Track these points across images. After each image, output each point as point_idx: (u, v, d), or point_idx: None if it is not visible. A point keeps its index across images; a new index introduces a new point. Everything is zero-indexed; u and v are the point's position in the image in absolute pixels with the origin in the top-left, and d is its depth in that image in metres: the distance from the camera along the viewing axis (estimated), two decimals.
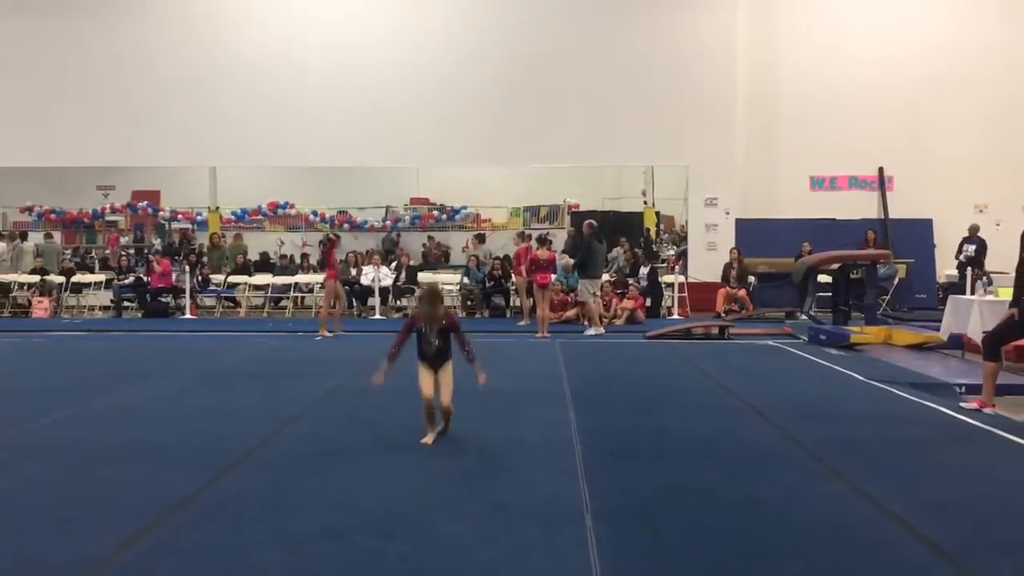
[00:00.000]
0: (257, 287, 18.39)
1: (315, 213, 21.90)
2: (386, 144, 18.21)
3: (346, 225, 21.92)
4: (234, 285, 18.39)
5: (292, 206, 21.62)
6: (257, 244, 20.45)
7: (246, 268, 18.86)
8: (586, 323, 14.24)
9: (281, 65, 18.20)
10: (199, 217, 21.59)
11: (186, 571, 3.72)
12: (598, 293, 14.34)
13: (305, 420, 7.03)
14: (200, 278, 18.00)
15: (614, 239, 18.30)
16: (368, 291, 17.06)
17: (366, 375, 8.93)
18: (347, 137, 18.13)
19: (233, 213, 21.45)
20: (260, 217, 21.86)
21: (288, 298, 18.36)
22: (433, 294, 6.28)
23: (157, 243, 21.02)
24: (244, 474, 5.34)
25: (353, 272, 17.62)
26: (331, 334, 13.52)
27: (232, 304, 18.46)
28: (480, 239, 19.05)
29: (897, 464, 5.58)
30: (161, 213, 22.22)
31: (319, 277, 18.89)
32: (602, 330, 13.79)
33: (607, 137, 17.99)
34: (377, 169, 20.27)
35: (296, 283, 18.46)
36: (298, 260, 19.84)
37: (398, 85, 18.14)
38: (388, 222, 21.90)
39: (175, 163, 19.30)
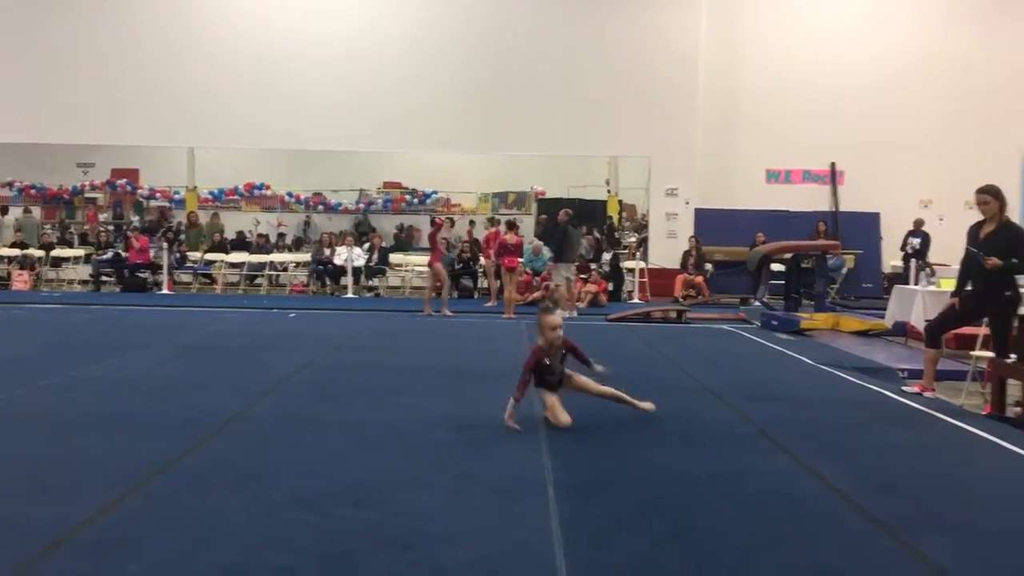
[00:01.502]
0: (233, 265, 18.84)
1: (290, 195, 22.22)
2: (361, 129, 18.61)
3: (320, 207, 22.30)
4: (211, 262, 18.82)
5: (268, 187, 21.89)
6: (233, 223, 20.77)
7: (222, 246, 19.29)
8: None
9: (261, 50, 18.54)
10: (177, 196, 21.85)
11: (163, 535, 3.76)
12: (571, 277, 14.72)
13: (280, 393, 7.04)
14: (177, 255, 18.43)
15: (575, 224, 18.84)
16: (341, 271, 17.59)
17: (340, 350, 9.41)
18: (324, 121, 18.53)
19: (210, 193, 21.71)
20: (237, 197, 22.11)
21: (263, 276, 18.84)
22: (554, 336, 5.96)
23: (136, 220, 21.29)
24: (220, 444, 5.38)
25: (327, 252, 18.14)
26: (436, 313, 13.70)
27: (208, 281, 18.88)
28: (451, 223, 19.53)
29: (843, 443, 5.72)
30: (140, 191, 22.47)
31: (293, 256, 19.48)
32: (574, 313, 14.02)
33: (574, 127, 18.50)
34: (352, 153, 20.61)
35: (271, 262, 18.95)
36: (273, 239, 20.30)
37: (374, 72, 18.56)
38: (362, 205, 22.33)
39: (155, 143, 19.52)
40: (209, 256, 18.89)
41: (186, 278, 18.83)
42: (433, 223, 15.28)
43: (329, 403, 6.72)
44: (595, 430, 5.86)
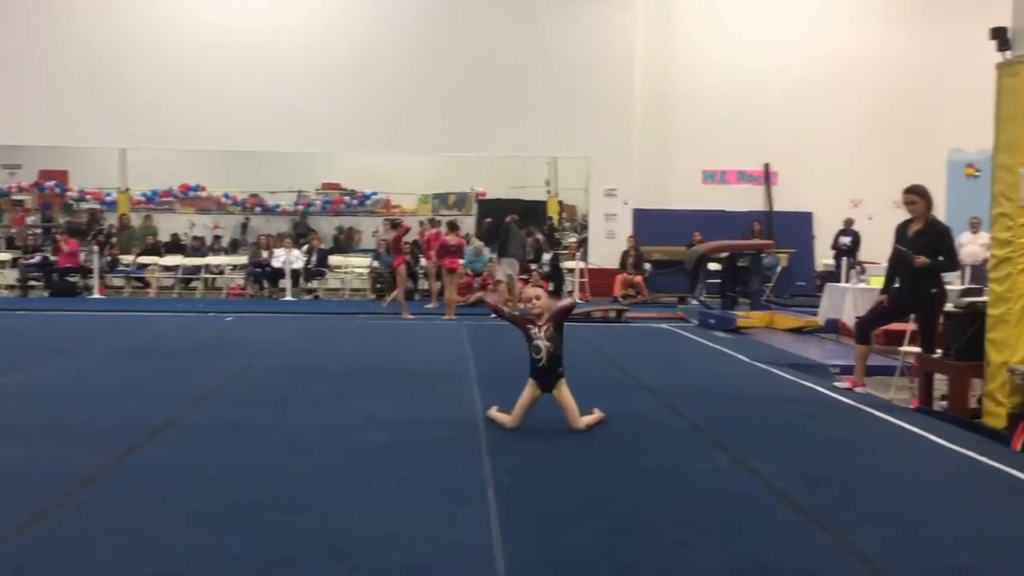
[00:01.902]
0: (167, 268, 18.48)
1: (227, 196, 21.87)
2: (299, 129, 18.38)
3: (258, 208, 22.00)
4: (144, 266, 18.46)
5: (204, 189, 21.52)
6: (168, 226, 20.37)
7: (156, 249, 18.92)
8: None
9: (195, 48, 18.17)
10: (108, 198, 21.36)
11: (92, 547, 3.67)
12: (514, 274, 14.76)
13: (215, 399, 6.94)
14: (109, 258, 18.03)
15: (521, 226, 18.93)
16: (279, 273, 17.38)
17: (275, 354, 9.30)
18: (260, 121, 18.24)
19: (143, 195, 21.25)
20: (171, 199, 21.71)
21: (199, 279, 18.53)
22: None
23: (64, 221, 20.75)
24: (153, 451, 5.28)
25: (264, 255, 17.90)
26: (413, 317, 13.85)
27: (142, 285, 18.51)
28: (391, 224, 19.44)
29: (776, 439, 5.83)
30: (69, 193, 21.90)
31: (230, 259, 19.18)
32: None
33: (513, 128, 18.53)
34: (289, 154, 20.34)
35: (207, 264, 18.65)
36: (209, 242, 19.97)
37: (312, 71, 18.35)
38: (300, 206, 22.10)
39: (84, 143, 19.03)
40: (142, 259, 18.50)
41: (118, 282, 18.41)
42: (396, 226, 15.18)
43: (266, 408, 6.62)
44: (535, 430, 5.88)
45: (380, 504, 4.31)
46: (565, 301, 5.82)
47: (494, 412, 6.09)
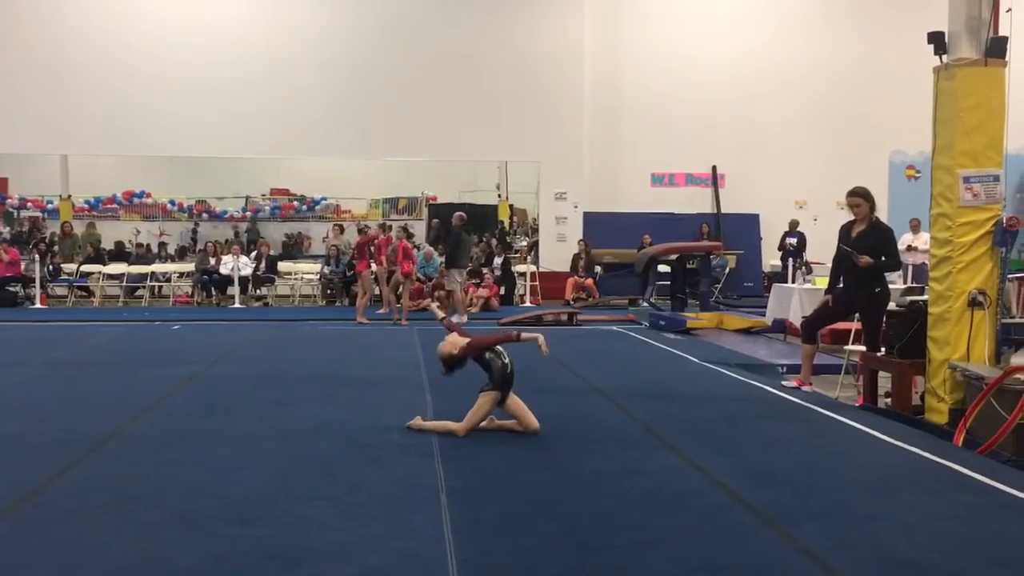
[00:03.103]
0: (112, 276, 18.09)
1: (173, 203, 21.57)
2: (246, 134, 18.16)
3: (205, 215, 21.72)
4: (87, 274, 18.06)
5: (149, 195, 21.20)
6: (112, 233, 20.04)
7: (100, 257, 18.54)
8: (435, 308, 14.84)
9: (138, 53, 17.84)
10: (50, 205, 20.90)
11: (33, 563, 3.58)
12: (463, 282, 14.71)
13: (162, 409, 6.80)
14: (51, 267, 17.62)
15: (469, 230, 18.93)
16: (228, 280, 17.13)
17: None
18: (206, 127, 17.98)
19: (87, 202, 20.86)
20: (115, 206, 21.34)
21: (144, 287, 18.18)
22: None
23: (6, 231, 20.26)
24: (97, 464, 5.15)
25: (212, 261, 17.64)
26: (368, 321, 13.79)
27: (85, 294, 18.11)
28: (340, 229, 19.33)
29: (726, 438, 5.88)
30: (9, 200, 21.38)
31: (177, 266, 18.86)
32: (465, 318, 14.04)
33: (464, 133, 18.53)
34: (237, 159, 20.11)
35: (153, 272, 18.31)
36: (155, 249, 19.64)
37: (259, 77, 18.14)
38: (248, 212, 21.84)
39: (24, 150, 18.61)
40: (85, 268, 18.09)
41: (61, 291, 17.98)
42: (362, 232, 15.04)
43: (214, 417, 6.53)
44: (486, 435, 5.88)
45: (332, 512, 4.27)
46: (485, 339, 5.87)
47: (418, 421, 6.02)
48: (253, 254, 17.91)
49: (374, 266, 14.92)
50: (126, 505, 4.36)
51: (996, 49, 6.53)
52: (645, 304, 15.51)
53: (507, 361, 5.79)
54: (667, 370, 9.27)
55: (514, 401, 5.87)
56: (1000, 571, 3.60)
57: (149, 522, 4.10)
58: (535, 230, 20.42)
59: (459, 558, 3.64)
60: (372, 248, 14.59)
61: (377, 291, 16.48)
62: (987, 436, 5.75)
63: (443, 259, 15.15)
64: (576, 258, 17.90)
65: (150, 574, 3.51)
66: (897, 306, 7.44)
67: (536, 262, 18.47)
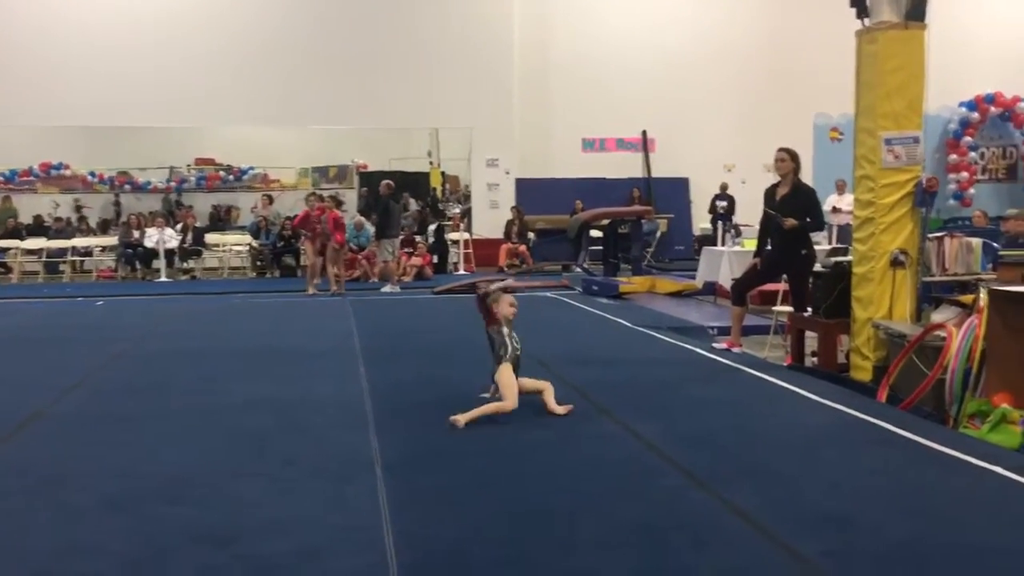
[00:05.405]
0: (30, 251, 17.52)
1: (93, 174, 20.87)
2: (168, 103, 17.59)
3: (127, 186, 21.08)
4: (4, 250, 17.46)
5: (68, 167, 20.47)
6: (29, 207, 19.38)
7: (17, 232, 17.93)
8: (379, 280, 14.73)
9: (53, 18, 17.13)
10: None
11: None
12: (395, 252, 14.64)
13: (86, 387, 6.63)
14: None
15: (398, 198, 18.73)
16: (153, 253, 16.72)
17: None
18: (126, 95, 17.35)
19: (1, 175, 20.09)
20: (32, 178, 20.56)
21: (65, 262, 17.65)
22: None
23: None
24: (17, 447, 5.03)
25: (136, 234, 17.17)
26: (321, 292, 13.50)
27: (3, 270, 17.54)
28: (269, 200, 18.97)
29: (659, 402, 5.96)
30: None
31: (99, 240, 18.33)
32: (398, 288, 14.06)
33: (394, 99, 18.28)
34: (159, 129, 19.49)
35: (73, 247, 17.78)
36: (75, 223, 19.05)
37: (180, 42, 17.58)
38: (172, 183, 21.28)
39: None
40: (1, 243, 17.48)
41: None
42: (312, 205, 14.47)
43: (141, 395, 6.37)
44: (420, 403, 5.87)
45: (264, 489, 4.21)
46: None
47: (461, 416, 5.34)
48: (178, 226, 17.49)
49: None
50: (51, 488, 4.23)
51: (916, 12, 6.66)
52: (578, 269, 15.63)
53: (519, 344, 5.70)
54: (601, 335, 9.32)
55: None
56: (918, 520, 3.73)
57: (76, 505, 3.99)
58: (467, 197, 20.34)
59: (396, 531, 3.63)
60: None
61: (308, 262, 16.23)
62: (909, 392, 5.94)
63: (375, 229, 15.00)
64: (509, 225, 17.91)
65: (80, 559, 3.42)
66: (822, 267, 7.61)
67: (469, 229, 18.42)
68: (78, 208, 20.22)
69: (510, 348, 5.58)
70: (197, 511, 3.90)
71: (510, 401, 5.39)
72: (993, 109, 18.41)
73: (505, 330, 5.65)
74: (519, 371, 5.62)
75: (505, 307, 5.69)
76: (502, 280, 5.79)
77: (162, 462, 4.66)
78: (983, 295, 5.81)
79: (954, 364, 5.68)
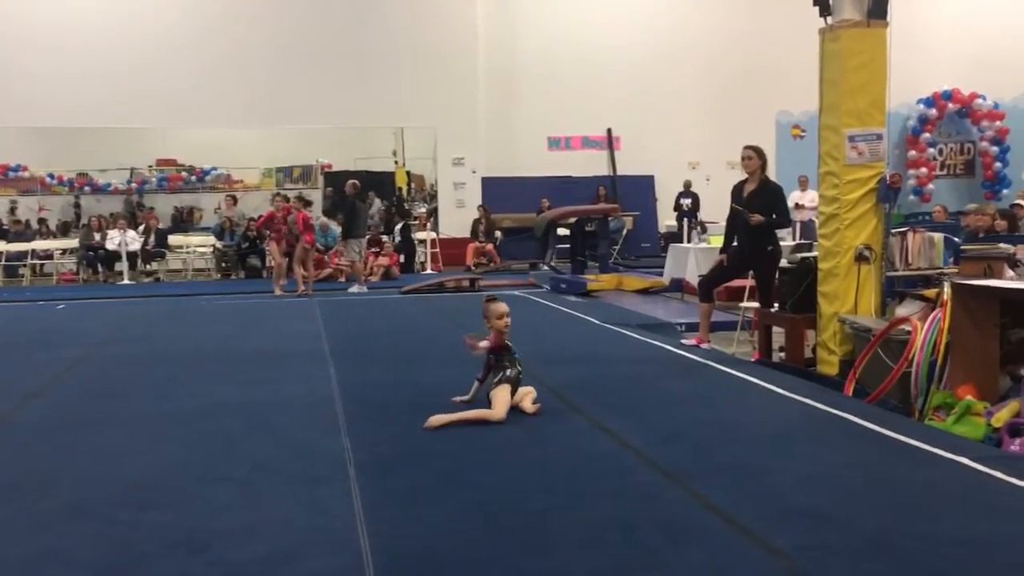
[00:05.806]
0: None
1: (51, 176, 20.53)
2: (129, 103, 17.38)
3: (87, 188, 20.76)
4: None
5: (25, 168, 20.13)
6: None
7: None
8: (347, 280, 14.67)
9: (9, 19, 16.87)
10: None
11: None
12: (362, 252, 14.60)
13: (48, 393, 6.50)
14: None
15: (364, 197, 18.61)
16: (115, 256, 16.49)
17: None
18: (86, 95, 17.14)
19: None
20: None
21: (25, 266, 17.36)
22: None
23: None
24: None
25: (97, 237, 16.92)
26: (288, 293, 13.50)
27: None
28: (234, 200, 18.80)
29: (630, 399, 5.95)
30: None
31: (59, 243, 18.04)
32: (365, 288, 14.04)
33: (358, 98, 18.22)
34: (119, 129, 19.19)
35: (33, 250, 17.50)
36: (35, 225, 18.74)
37: (141, 41, 17.40)
38: (134, 184, 20.98)
39: None
40: None
41: None
42: (277, 206, 14.33)
43: (106, 400, 6.27)
44: (390, 403, 5.83)
45: (236, 493, 4.16)
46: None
47: (437, 418, 5.31)
48: (141, 228, 17.26)
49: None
50: (15, 497, 4.14)
51: (878, 10, 6.74)
52: (546, 268, 15.72)
53: (521, 368, 5.61)
54: (570, 333, 9.33)
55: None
56: (890, 512, 3.77)
57: (42, 513, 3.91)
58: (434, 196, 20.29)
59: (371, 532, 3.60)
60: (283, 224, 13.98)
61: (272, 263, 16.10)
62: (875, 385, 6.02)
63: (340, 229, 14.91)
64: (476, 224, 17.90)
65: (48, 568, 3.35)
66: (788, 263, 7.68)
67: (436, 229, 18.37)
68: (40, 210, 19.89)
69: (511, 371, 5.52)
70: (168, 516, 3.84)
71: (499, 412, 5.34)
72: (951, 106, 18.73)
73: (508, 355, 5.54)
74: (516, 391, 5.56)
75: (495, 322, 5.53)
76: (480, 337, 5.61)
77: (129, 468, 4.58)
78: (947, 289, 5.90)
79: (919, 357, 5.76)
